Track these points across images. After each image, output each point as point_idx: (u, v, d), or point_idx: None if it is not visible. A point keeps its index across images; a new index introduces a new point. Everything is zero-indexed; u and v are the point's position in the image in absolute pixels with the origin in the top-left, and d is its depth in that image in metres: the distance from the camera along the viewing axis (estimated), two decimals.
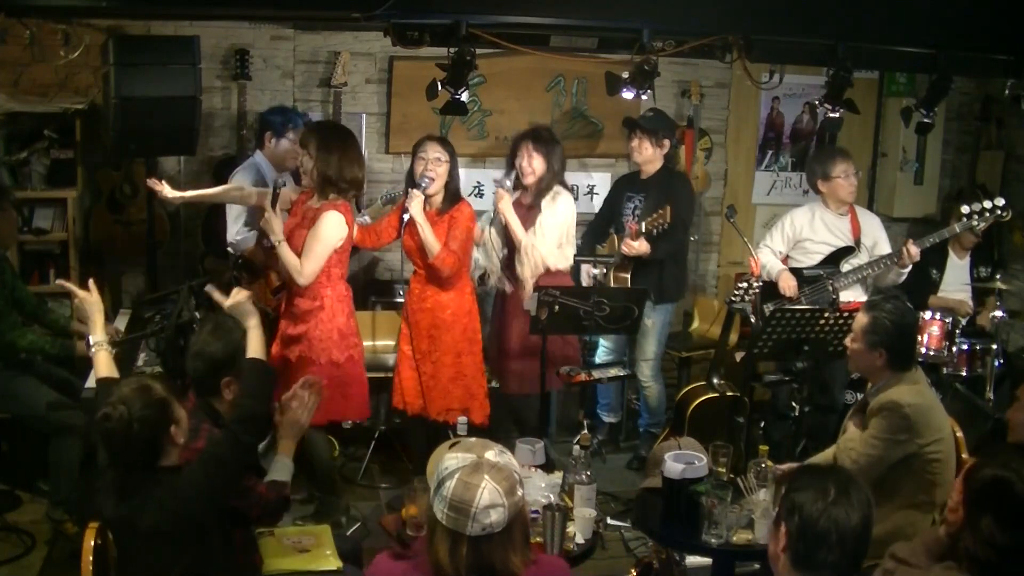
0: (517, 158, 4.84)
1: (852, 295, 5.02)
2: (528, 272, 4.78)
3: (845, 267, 5.07)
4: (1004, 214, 5.01)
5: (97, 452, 2.84)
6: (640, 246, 4.90)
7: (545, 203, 4.83)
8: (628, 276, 5.09)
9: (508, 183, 4.81)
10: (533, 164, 4.80)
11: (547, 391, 4.70)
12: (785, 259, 5.22)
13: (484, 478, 2.09)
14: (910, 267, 5.07)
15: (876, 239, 5.22)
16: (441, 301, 4.64)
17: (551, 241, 4.81)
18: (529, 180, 4.82)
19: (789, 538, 2.18)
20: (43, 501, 4.49)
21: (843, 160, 5.16)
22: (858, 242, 5.17)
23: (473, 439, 2.25)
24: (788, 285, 4.99)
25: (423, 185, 4.47)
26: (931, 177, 6.46)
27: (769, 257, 5.17)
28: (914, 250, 4.96)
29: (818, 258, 5.14)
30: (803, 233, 5.19)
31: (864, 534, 2.18)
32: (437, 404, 4.66)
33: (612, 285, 5.01)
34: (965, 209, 5.04)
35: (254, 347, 3.05)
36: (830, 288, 4.94)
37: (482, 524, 2.08)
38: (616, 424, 5.69)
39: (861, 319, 3.51)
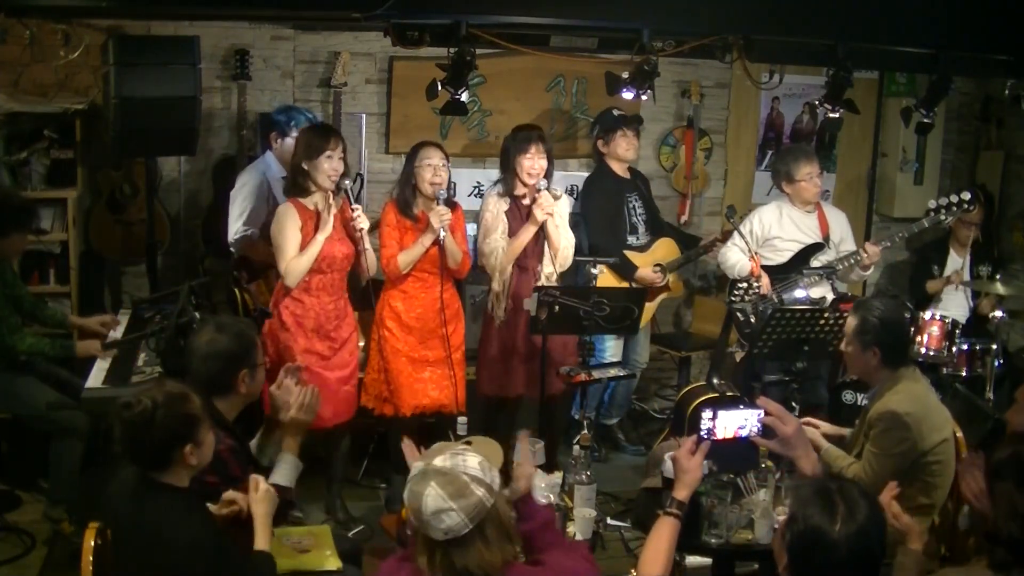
0: (525, 159, 4.69)
1: (820, 292, 5.05)
2: (553, 268, 4.78)
3: (815, 263, 5.11)
4: (971, 208, 5.02)
5: (103, 448, 2.78)
6: None
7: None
8: None
9: (545, 184, 4.68)
10: (542, 164, 4.71)
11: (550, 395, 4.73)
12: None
13: (429, 485, 2.09)
14: (872, 268, 5.16)
15: (843, 235, 5.27)
16: (446, 299, 4.70)
17: (568, 238, 4.84)
18: (538, 181, 4.69)
19: (791, 559, 2.12)
20: (43, 500, 4.48)
21: (808, 163, 5.15)
22: (827, 239, 5.20)
23: (447, 443, 2.23)
24: (762, 283, 4.97)
25: (442, 197, 4.50)
26: (931, 177, 6.46)
27: (739, 256, 5.17)
28: (873, 250, 5.00)
29: (788, 255, 5.16)
30: (772, 231, 5.20)
31: (873, 551, 2.11)
32: (440, 398, 4.70)
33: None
34: (932, 204, 5.06)
35: (261, 537, 2.79)
36: (800, 285, 5.02)
37: (442, 529, 2.07)
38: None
39: (851, 321, 3.50)
